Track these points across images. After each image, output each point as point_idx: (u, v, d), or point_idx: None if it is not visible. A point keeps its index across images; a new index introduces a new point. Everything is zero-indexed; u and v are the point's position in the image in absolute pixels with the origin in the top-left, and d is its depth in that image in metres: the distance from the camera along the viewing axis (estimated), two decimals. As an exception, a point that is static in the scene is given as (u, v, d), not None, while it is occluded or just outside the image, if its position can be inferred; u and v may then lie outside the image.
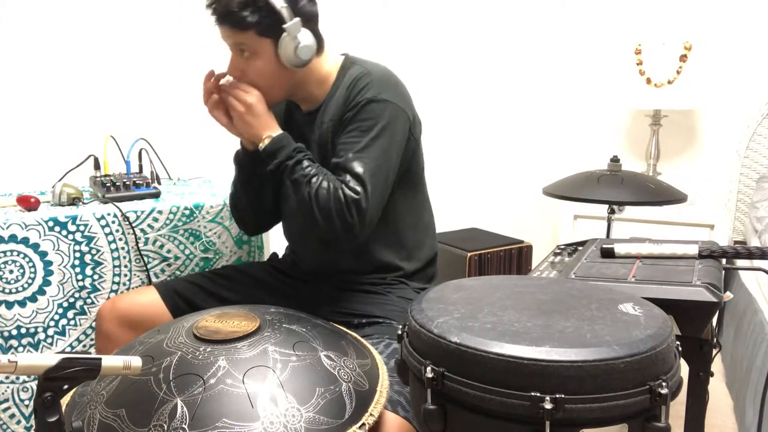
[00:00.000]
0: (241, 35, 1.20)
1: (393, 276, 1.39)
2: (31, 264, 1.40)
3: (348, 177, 1.20)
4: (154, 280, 1.54)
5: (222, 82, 1.28)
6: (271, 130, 1.25)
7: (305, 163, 1.23)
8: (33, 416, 0.93)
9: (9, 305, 1.39)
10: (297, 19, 1.20)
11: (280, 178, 1.25)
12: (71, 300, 1.45)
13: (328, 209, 1.18)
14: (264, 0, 1.17)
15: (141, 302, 1.38)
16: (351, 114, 1.26)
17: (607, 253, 1.24)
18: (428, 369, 0.78)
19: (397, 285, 1.38)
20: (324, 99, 1.33)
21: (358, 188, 1.19)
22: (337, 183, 1.20)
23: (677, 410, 1.05)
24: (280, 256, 1.57)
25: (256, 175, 1.36)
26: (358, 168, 1.20)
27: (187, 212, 1.57)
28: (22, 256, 1.39)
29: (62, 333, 1.45)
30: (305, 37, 1.22)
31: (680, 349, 0.81)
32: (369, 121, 1.24)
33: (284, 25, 1.19)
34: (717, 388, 2.05)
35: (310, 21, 1.25)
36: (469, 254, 2.27)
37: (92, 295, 1.48)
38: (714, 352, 1.16)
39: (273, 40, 1.21)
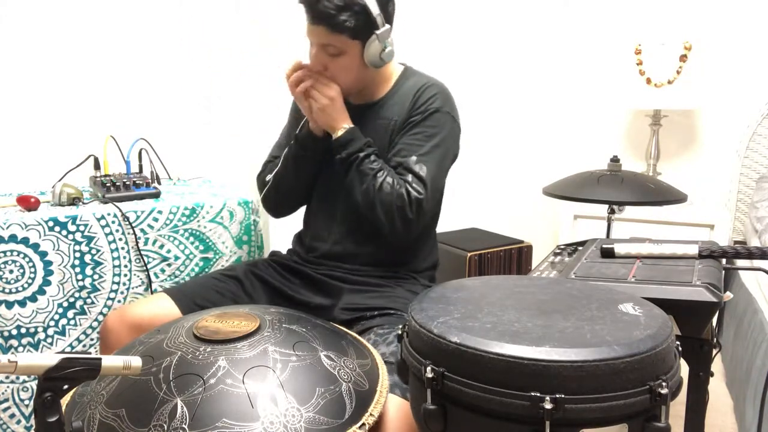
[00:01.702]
0: (334, 37, 1.26)
1: (403, 271, 1.43)
2: (31, 264, 1.40)
3: (410, 177, 1.30)
4: (154, 280, 1.54)
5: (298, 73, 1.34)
6: (346, 123, 1.35)
7: (373, 157, 1.32)
8: (33, 416, 0.93)
9: (9, 305, 1.39)
10: (388, 26, 1.28)
11: (347, 168, 1.34)
12: (71, 300, 1.45)
13: (389, 203, 1.28)
14: (361, 5, 1.23)
15: (154, 311, 1.29)
16: (417, 118, 1.36)
17: (607, 253, 1.24)
18: (428, 369, 0.78)
19: (407, 279, 1.42)
20: (382, 97, 1.42)
21: (421, 189, 1.29)
22: (401, 181, 1.30)
23: (677, 410, 1.05)
24: (284, 252, 1.56)
25: (314, 155, 1.43)
26: (421, 171, 1.30)
27: (187, 212, 1.57)
28: (22, 256, 1.39)
29: (62, 333, 1.45)
30: (391, 42, 1.30)
31: (680, 349, 0.81)
32: (434, 128, 1.35)
33: (377, 32, 1.27)
34: (717, 388, 2.05)
35: (392, 25, 1.32)
36: (469, 254, 2.27)
37: (92, 295, 1.48)
38: (714, 352, 1.16)
39: (362, 42, 1.28)
